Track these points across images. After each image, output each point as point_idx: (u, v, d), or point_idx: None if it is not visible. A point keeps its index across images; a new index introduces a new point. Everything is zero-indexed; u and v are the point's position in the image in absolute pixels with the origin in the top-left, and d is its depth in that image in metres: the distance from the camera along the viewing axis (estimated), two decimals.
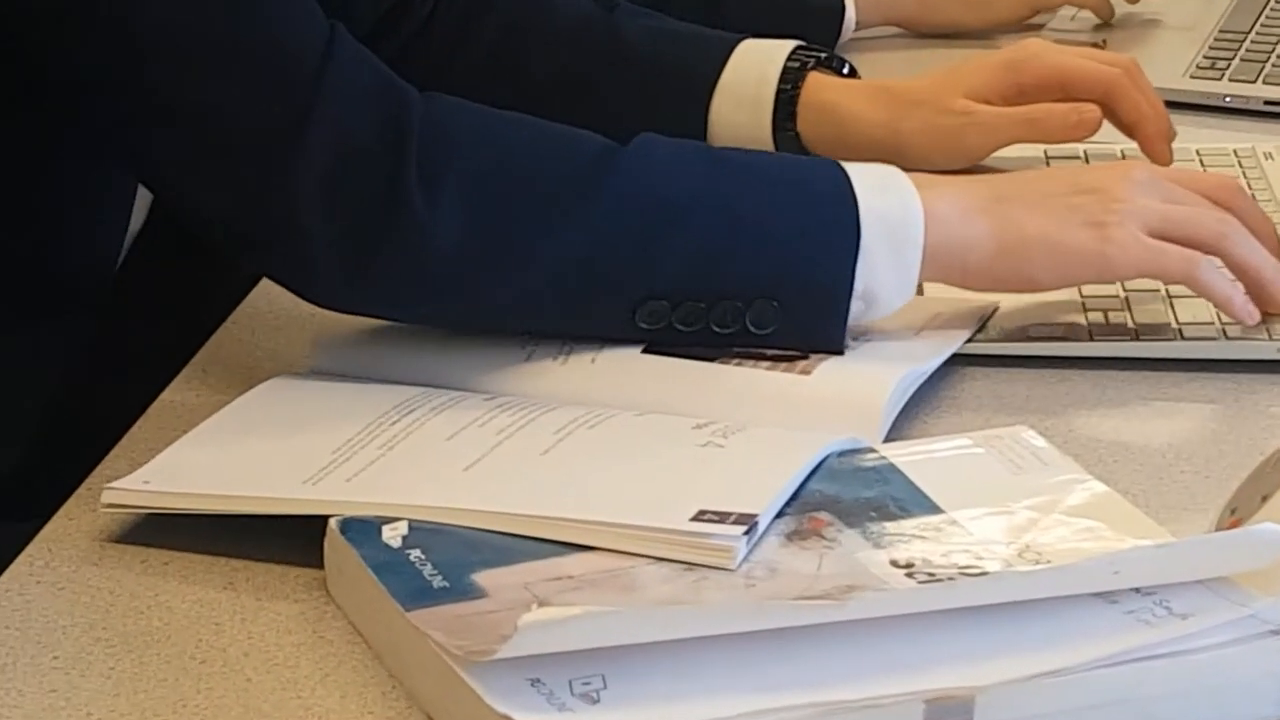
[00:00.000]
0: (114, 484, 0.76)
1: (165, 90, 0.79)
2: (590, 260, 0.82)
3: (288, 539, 0.73)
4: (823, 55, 1.03)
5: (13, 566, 0.73)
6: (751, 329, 0.82)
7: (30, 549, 0.75)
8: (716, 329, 0.82)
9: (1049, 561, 0.68)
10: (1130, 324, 0.92)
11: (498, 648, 0.57)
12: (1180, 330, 0.91)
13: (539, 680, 0.58)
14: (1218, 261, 0.87)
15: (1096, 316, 0.92)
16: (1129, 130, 1.04)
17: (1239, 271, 0.86)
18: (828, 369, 0.84)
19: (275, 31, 0.81)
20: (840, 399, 0.81)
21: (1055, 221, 0.85)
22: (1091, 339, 0.90)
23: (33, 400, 0.90)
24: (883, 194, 0.83)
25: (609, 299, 0.83)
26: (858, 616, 0.62)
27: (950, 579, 0.66)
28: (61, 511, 0.78)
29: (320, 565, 0.71)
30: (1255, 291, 0.87)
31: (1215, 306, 0.89)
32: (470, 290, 0.83)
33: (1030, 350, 0.90)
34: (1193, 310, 0.92)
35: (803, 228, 0.83)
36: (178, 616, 0.70)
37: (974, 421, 0.84)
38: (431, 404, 0.82)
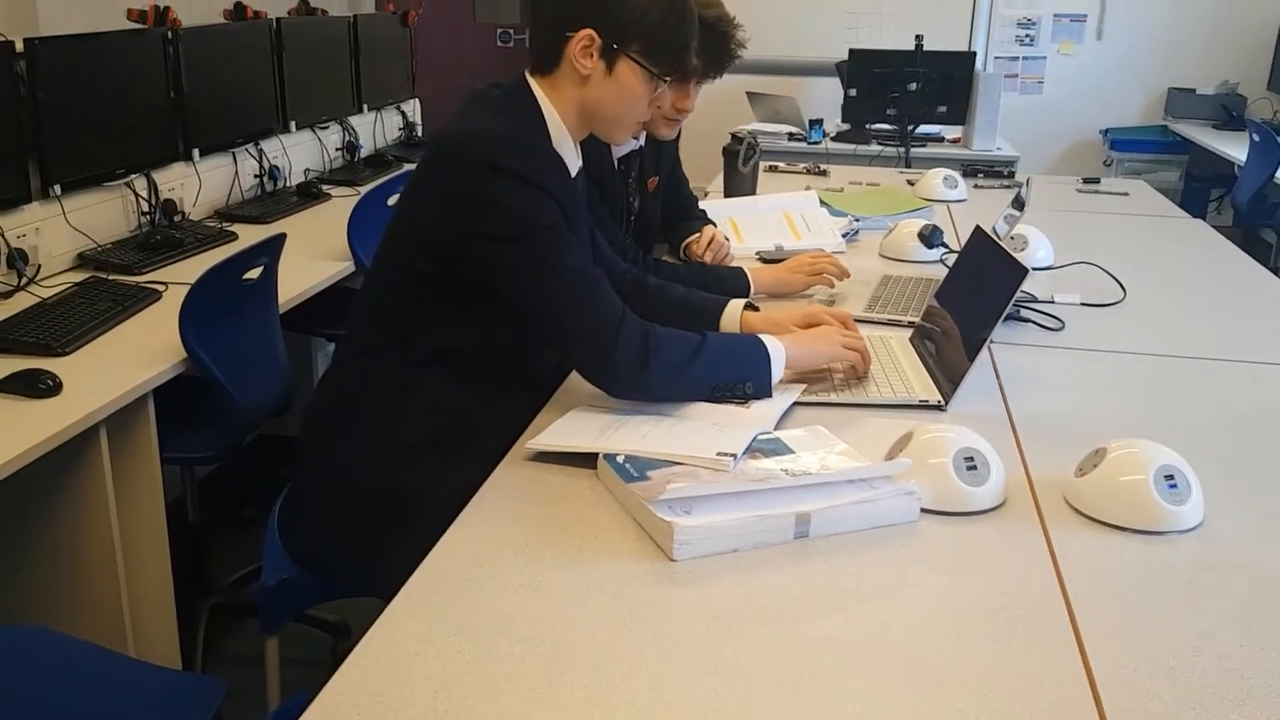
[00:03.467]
0: (530, 442, 1.27)
1: (574, 325, 1.33)
2: (699, 378, 1.36)
3: (588, 460, 1.24)
4: (749, 302, 1.65)
5: (490, 480, 1.20)
6: (747, 393, 1.39)
7: (501, 467, 1.24)
8: (734, 394, 1.38)
9: (831, 469, 1.16)
10: (854, 389, 1.47)
11: (659, 496, 1.08)
12: (879, 392, 1.44)
13: (671, 505, 1.07)
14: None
15: (842, 387, 1.46)
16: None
17: (860, 354, 1.44)
18: (757, 407, 1.37)
19: (610, 304, 1.36)
20: (761, 416, 1.34)
21: (818, 345, 1.49)
22: (838, 394, 1.46)
23: (514, 435, 1.34)
24: (773, 347, 1.42)
25: (703, 390, 1.37)
26: (771, 487, 1.11)
27: (804, 473, 1.15)
28: (511, 452, 1.29)
29: (595, 468, 1.21)
30: (865, 362, 1.48)
31: (861, 365, 1.43)
32: (663, 393, 1.35)
33: (818, 400, 1.46)
34: (878, 387, 1.45)
35: (753, 362, 1.41)
36: (555, 494, 1.19)
37: (803, 424, 1.34)
38: (634, 414, 1.34)
